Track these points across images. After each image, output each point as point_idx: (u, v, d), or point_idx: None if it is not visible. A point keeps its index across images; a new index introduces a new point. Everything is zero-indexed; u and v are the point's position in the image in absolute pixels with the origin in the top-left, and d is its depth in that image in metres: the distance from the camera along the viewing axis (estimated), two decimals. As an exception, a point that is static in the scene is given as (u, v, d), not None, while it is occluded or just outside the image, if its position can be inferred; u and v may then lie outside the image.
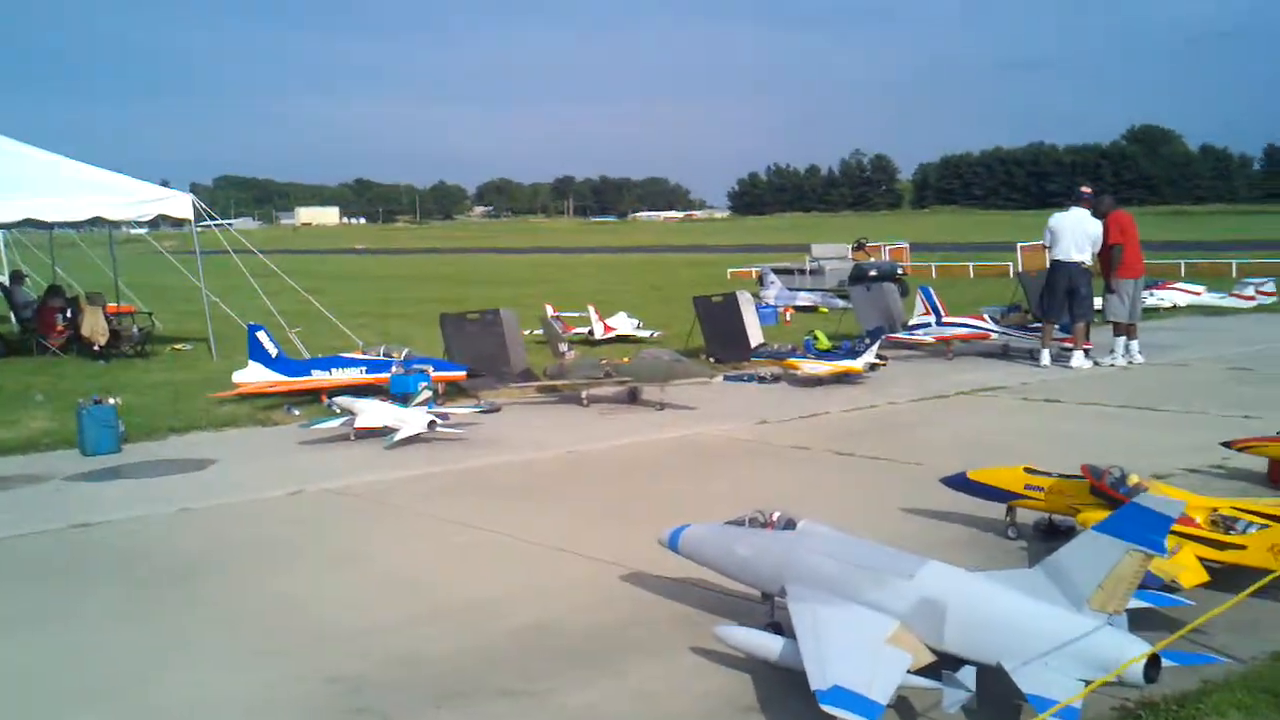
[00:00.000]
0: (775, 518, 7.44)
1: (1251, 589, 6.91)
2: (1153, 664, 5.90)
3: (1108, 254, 19.91)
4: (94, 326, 23.66)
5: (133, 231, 30.64)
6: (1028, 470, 9.49)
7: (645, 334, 25.55)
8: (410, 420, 14.15)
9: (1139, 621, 6.67)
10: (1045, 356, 19.92)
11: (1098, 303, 20.58)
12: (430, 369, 16.34)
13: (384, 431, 14.15)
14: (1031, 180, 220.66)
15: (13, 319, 28.17)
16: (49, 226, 27.94)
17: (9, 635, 8.07)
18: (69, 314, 24.98)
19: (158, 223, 26.60)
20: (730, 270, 50.12)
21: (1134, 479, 8.65)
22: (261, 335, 17.32)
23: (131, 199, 24.10)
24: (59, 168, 24.39)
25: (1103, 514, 7.46)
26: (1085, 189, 20.73)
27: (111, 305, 26.59)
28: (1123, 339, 19.99)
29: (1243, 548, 8.00)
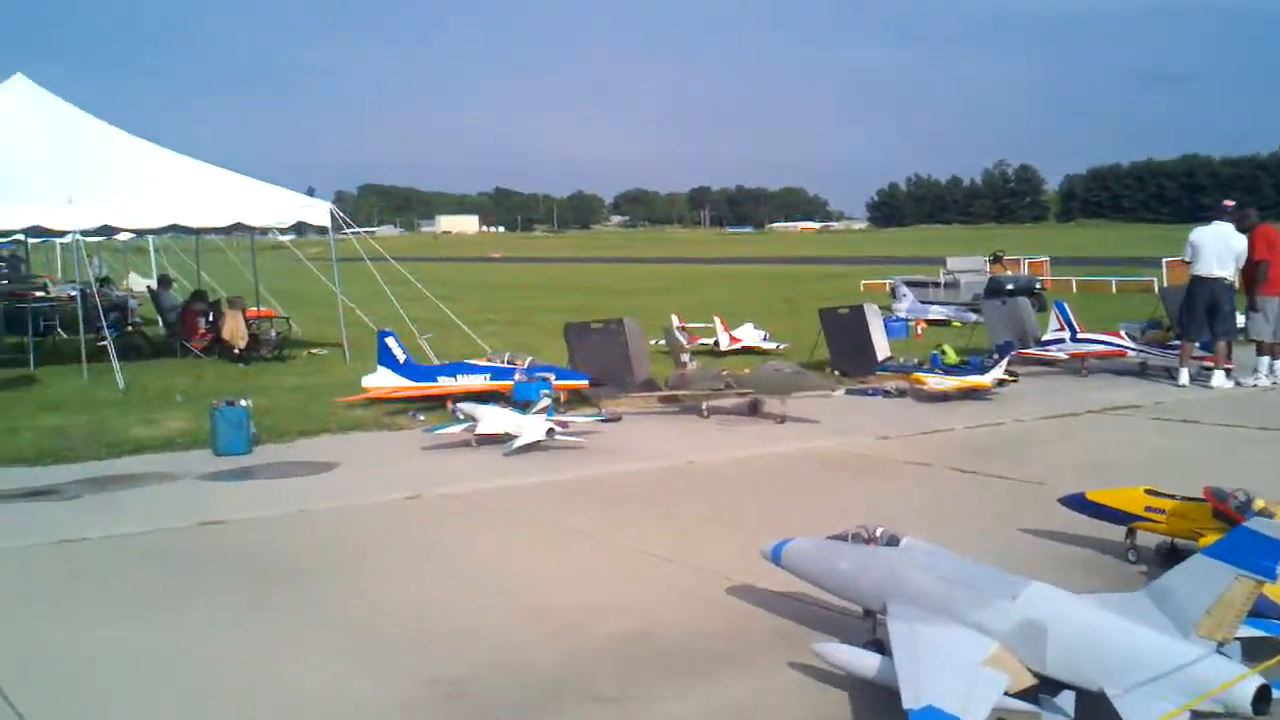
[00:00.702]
0: (878, 534, 7.34)
1: None
2: (1263, 696, 5.68)
3: (1252, 270, 19.21)
4: (234, 330, 24.46)
5: (278, 238, 31.65)
6: (1148, 492, 9.21)
7: (771, 345, 25.45)
8: (530, 427, 14.32)
9: (1257, 652, 6.41)
10: (1184, 375, 19.26)
11: (1241, 320, 19.84)
12: (552, 377, 16.55)
13: (504, 438, 14.35)
14: (1184, 193, 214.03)
15: (160, 322, 29.33)
16: (194, 232, 28.99)
17: (125, 626, 8.38)
18: (211, 318, 25.87)
19: (303, 230, 27.40)
20: (863, 282, 49.64)
21: (1260, 503, 8.33)
22: (390, 341, 17.70)
23: (272, 206, 24.87)
24: (203, 175, 25.27)
25: (1227, 537, 7.21)
26: (1228, 202, 20.06)
27: (252, 310, 27.46)
28: (1266, 359, 19.23)
29: (1374, 577, 7.62)
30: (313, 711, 6.83)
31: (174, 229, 26.79)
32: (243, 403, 14.83)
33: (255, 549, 10.39)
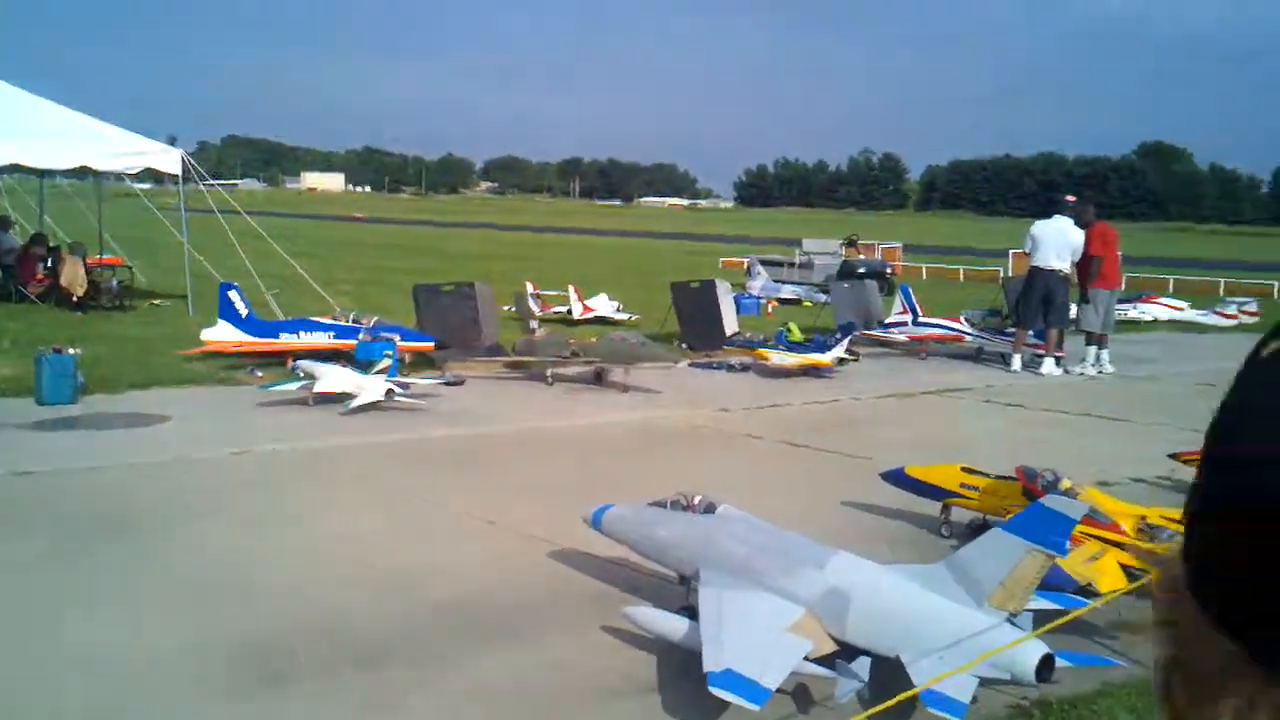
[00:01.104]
0: (697, 501, 7.46)
1: (1112, 594, 7.16)
2: (1047, 664, 5.93)
3: (1086, 264, 19.90)
4: (72, 277, 23.59)
5: (138, 186, 30.63)
6: (964, 469, 9.51)
7: (623, 316, 25.57)
8: (368, 387, 14.14)
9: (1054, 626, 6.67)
10: (1016, 361, 19.93)
11: (1073, 311, 20.57)
12: (397, 338, 16.33)
13: (342, 397, 14.15)
14: (1040, 189, 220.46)
15: (-6, 265, 28.09)
16: (38, 174, 27.90)
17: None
18: (50, 263, 24.92)
19: (162, 179, 26.52)
20: (722, 260, 50.10)
21: (1066, 483, 8.66)
22: (233, 294, 17.29)
23: (119, 150, 23.99)
24: (47, 112, 24.16)
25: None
26: (1070, 197, 20.75)
27: (95, 257, 26.53)
28: (1094, 348, 20.00)
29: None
30: (105, 666, 6.65)
31: (15, 169, 25.68)
32: (70, 351, 14.33)
33: (74, 500, 10.08)
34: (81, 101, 25.39)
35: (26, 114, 23.70)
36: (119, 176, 26.65)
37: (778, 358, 18.18)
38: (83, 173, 25.85)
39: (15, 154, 22.84)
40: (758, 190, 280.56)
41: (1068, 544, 6.37)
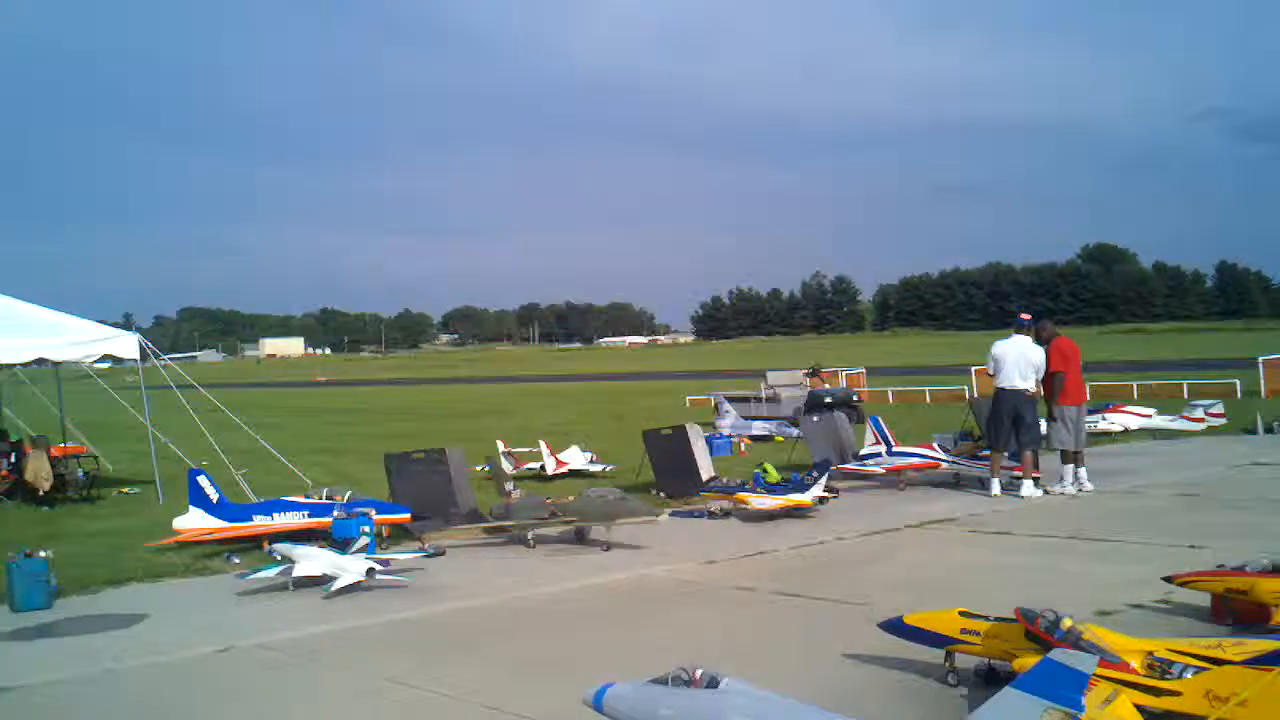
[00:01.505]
0: (698, 676, 7.30)
1: None
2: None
3: (1050, 381, 20.03)
4: (37, 471, 23.29)
5: (95, 366, 30.52)
6: (963, 613, 9.38)
7: (598, 468, 25.39)
8: (349, 568, 13.87)
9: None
10: (995, 486, 19.86)
11: (1044, 428, 20.62)
12: (373, 512, 16.13)
13: (323, 580, 13.88)
14: (990, 300, 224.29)
15: (-43, 465, 27.71)
16: (-8, 369, 27.75)
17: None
18: (13, 458, 24.62)
19: (119, 358, 26.45)
20: (689, 398, 50.21)
21: (1067, 623, 8.54)
22: (202, 480, 17.05)
23: (75, 339, 23.91)
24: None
25: (1038, 659, 7.35)
26: (1024, 315, 20.94)
27: (59, 447, 26.25)
28: (1070, 466, 20.00)
29: (1178, 694, 7.87)
30: None
31: (-35, 366, 25.49)
32: (41, 554, 14.03)
33: (50, 716, 9.73)
34: (33, 289, 25.46)
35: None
36: (76, 362, 26.56)
37: (758, 501, 18.06)
38: (38, 363, 25.71)
39: None
40: (715, 322, 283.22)
41: (1083, 698, 6.24)
